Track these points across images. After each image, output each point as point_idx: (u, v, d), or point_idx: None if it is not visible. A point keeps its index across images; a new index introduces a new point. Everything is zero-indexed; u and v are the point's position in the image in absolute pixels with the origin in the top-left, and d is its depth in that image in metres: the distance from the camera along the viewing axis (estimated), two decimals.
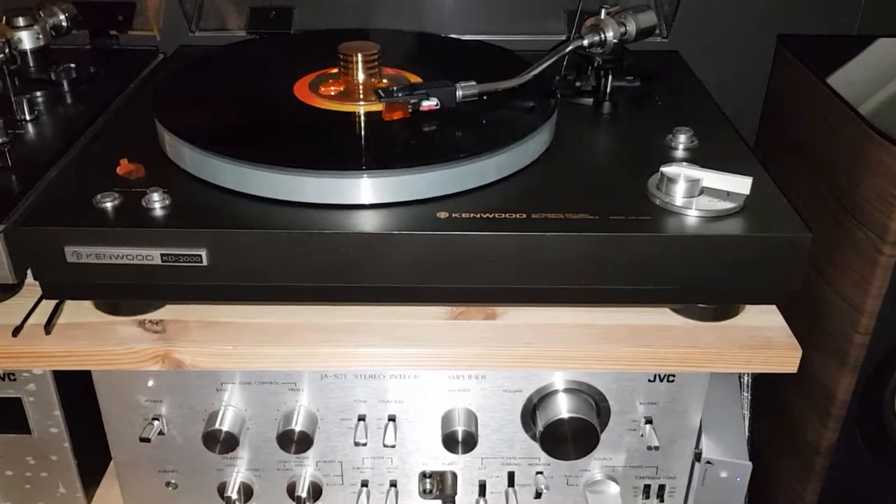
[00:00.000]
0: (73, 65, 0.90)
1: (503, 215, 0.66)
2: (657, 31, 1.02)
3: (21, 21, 0.90)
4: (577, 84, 0.88)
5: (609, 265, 0.65)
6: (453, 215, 0.66)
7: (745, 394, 0.79)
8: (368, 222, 0.65)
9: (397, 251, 0.64)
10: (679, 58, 1.00)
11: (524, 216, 0.66)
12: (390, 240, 0.64)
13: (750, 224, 0.65)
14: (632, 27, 0.85)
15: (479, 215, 0.66)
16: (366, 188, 0.66)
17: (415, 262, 0.65)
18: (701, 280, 0.66)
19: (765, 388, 0.89)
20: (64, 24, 0.95)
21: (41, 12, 0.93)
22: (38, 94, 0.88)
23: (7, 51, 0.86)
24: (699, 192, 0.67)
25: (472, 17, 1.08)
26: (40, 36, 0.91)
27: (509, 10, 1.07)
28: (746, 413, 0.79)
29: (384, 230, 0.64)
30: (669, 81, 0.92)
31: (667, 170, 0.68)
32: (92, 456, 0.80)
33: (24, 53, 0.90)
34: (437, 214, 0.66)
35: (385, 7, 1.07)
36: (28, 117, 0.82)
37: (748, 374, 0.77)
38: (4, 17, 0.90)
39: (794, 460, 0.86)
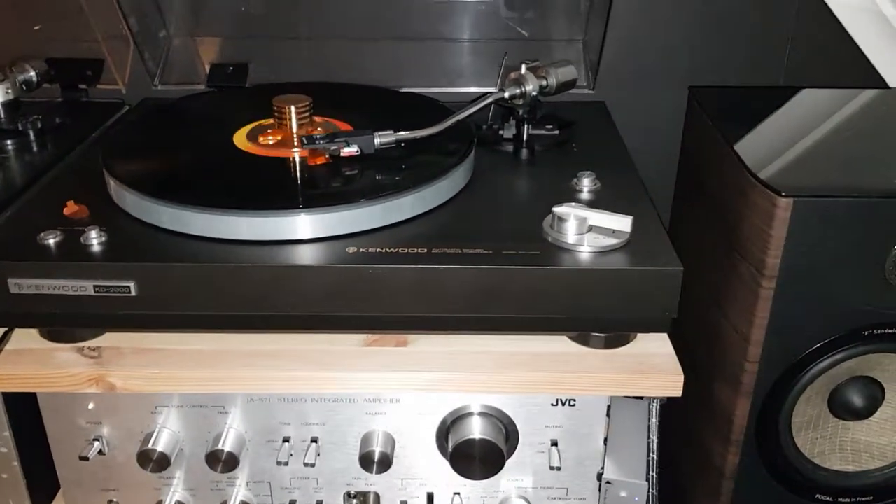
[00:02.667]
0: (38, 116, 0.98)
1: (406, 250, 0.72)
2: (585, 83, 1.11)
3: None
4: (500, 132, 0.95)
5: (503, 296, 0.71)
6: (361, 250, 0.72)
7: (654, 420, 0.84)
8: (284, 256, 0.72)
9: (310, 282, 0.71)
10: (603, 108, 1.07)
11: (425, 251, 0.72)
12: (302, 272, 0.71)
13: (628, 258, 0.71)
14: (552, 80, 0.92)
15: (384, 250, 0.72)
16: (283, 226, 0.73)
17: (327, 293, 0.72)
18: (587, 310, 0.72)
19: (679, 414, 0.95)
20: (34, 79, 1.04)
21: (12, 69, 1.02)
22: (9, 142, 0.96)
23: None
24: (587, 229, 0.74)
25: (418, 71, 1.15)
26: (10, 90, 0.99)
27: (452, 66, 1.15)
28: (654, 438, 0.84)
29: (297, 263, 0.71)
30: (589, 130, 0.99)
31: (557, 210, 0.74)
32: (43, 476, 0.85)
33: None
34: (347, 249, 0.72)
35: (337, 62, 1.15)
36: None
37: (657, 400, 0.83)
38: None
39: (704, 484, 0.91)
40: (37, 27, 1.10)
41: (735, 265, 0.81)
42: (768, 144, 0.85)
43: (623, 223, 0.73)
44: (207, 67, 1.12)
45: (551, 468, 0.80)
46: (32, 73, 1.03)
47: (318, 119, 0.90)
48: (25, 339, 0.77)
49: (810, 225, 0.73)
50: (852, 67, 1.13)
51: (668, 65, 1.15)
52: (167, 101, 1.04)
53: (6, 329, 0.77)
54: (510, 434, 0.80)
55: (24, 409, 0.80)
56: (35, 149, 0.96)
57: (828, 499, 0.87)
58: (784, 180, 0.75)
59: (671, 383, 0.75)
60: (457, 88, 1.14)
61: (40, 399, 0.79)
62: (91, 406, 0.79)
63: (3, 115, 0.99)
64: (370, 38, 1.13)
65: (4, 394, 0.78)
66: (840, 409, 0.83)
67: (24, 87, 1.03)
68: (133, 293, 0.71)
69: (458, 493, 0.83)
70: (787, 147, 0.84)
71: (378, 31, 1.13)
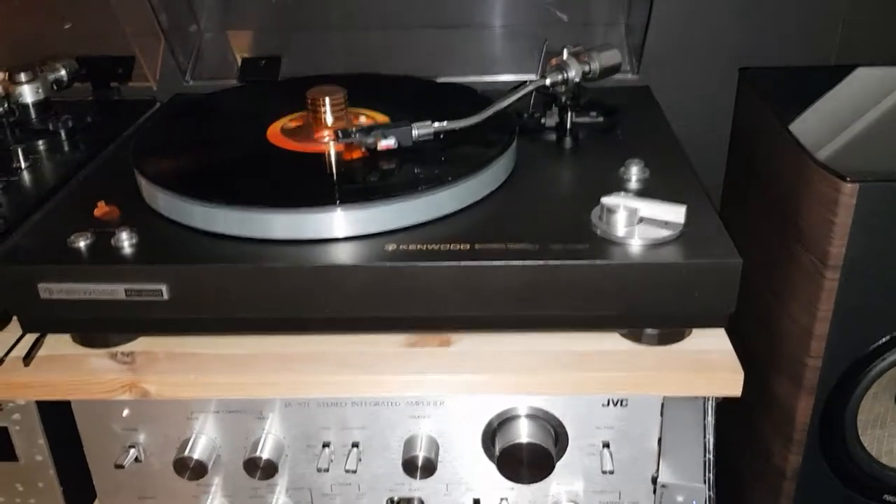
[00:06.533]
0: (69, 116, 0.96)
1: (448, 247, 0.69)
2: (628, 68, 1.06)
3: (23, 77, 0.97)
4: (543, 121, 0.91)
5: (550, 292, 0.68)
6: (400, 247, 0.69)
7: (709, 419, 0.80)
8: (320, 256, 0.69)
9: (348, 282, 0.68)
10: (649, 93, 1.03)
11: (468, 247, 0.69)
12: (340, 272, 0.68)
13: (683, 250, 0.67)
14: (595, 66, 0.88)
15: (424, 247, 0.69)
16: (318, 224, 0.70)
17: (366, 293, 0.68)
18: (640, 306, 0.68)
19: (737, 412, 0.90)
20: (65, 78, 1.02)
21: (43, 68, 1.00)
22: (40, 142, 0.95)
23: (6, 105, 0.93)
24: (637, 221, 0.70)
25: (456, 60, 1.12)
26: (40, 89, 0.97)
27: (490, 54, 1.11)
28: (710, 438, 0.80)
29: (334, 263, 0.68)
30: (635, 116, 0.95)
31: (606, 200, 0.71)
32: (80, 484, 0.83)
33: (25, 106, 0.97)
34: (385, 247, 0.69)
35: (372, 53, 1.12)
36: (23, 165, 0.88)
37: (712, 398, 0.78)
38: (7, 73, 0.97)
39: (764, 484, 0.87)
40: (67, 25, 1.09)
41: (795, 256, 0.76)
42: (827, 126, 0.80)
43: (676, 213, 0.69)
44: (239, 61, 1.09)
45: (603, 472, 0.76)
46: (63, 72, 1.02)
47: (353, 112, 0.86)
48: (58, 344, 0.75)
49: (877, 211, 0.69)
50: None
51: (716, 46, 1.10)
52: (198, 97, 1.02)
53: (38, 335, 0.75)
54: (559, 436, 0.76)
55: (60, 416, 0.78)
56: (66, 149, 0.95)
57: None
58: (848, 164, 0.71)
59: (730, 381, 0.70)
60: (496, 77, 1.10)
61: (74, 406, 0.77)
62: (126, 413, 0.77)
63: (34, 115, 0.98)
64: (405, 27, 1.10)
65: (39, 401, 0.76)
66: None
67: (55, 87, 1.02)
68: (165, 297, 0.68)
69: (506, 499, 0.80)
70: (848, 128, 0.80)
71: (413, 19, 1.10)
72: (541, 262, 0.67)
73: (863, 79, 0.96)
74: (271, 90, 1.05)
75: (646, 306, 0.68)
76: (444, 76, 1.08)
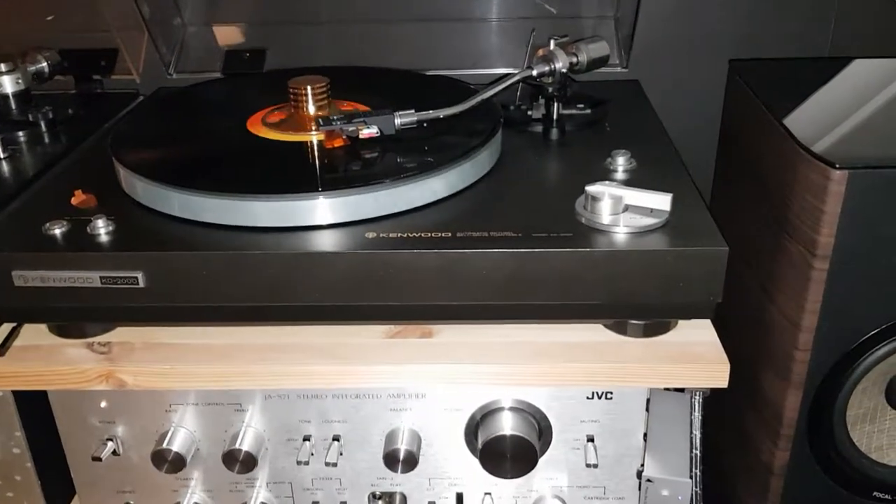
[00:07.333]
0: (49, 107, 0.95)
1: (429, 235, 0.68)
2: (617, 61, 1.06)
3: (2, 67, 0.96)
4: (529, 113, 0.90)
5: (533, 281, 0.67)
6: (381, 235, 0.68)
7: (696, 414, 0.79)
8: (300, 243, 0.67)
9: (328, 270, 0.67)
10: (637, 86, 1.02)
11: (449, 235, 0.68)
12: (319, 259, 0.67)
13: (668, 238, 0.66)
14: (583, 57, 0.87)
15: (405, 235, 0.68)
16: (298, 211, 0.69)
17: (346, 281, 0.67)
18: (624, 295, 0.67)
19: (725, 408, 0.89)
20: (46, 70, 1.01)
21: (24, 59, 0.99)
22: (20, 133, 0.94)
23: None
24: (622, 209, 0.69)
25: (444, 54, 1.11)
26: (20, 80, 0.96)
27: (478, 48, 1.11)
28: (697, 433, 0.79)
29: (313, 250, 0.67)
30: (623, 109, 0.94)
31: (591, 188, 0.70)
32: (59, 477, 0.82)
33: (5, 97, 0.96)
34: (366, 234, 0.68)
35: (359, 47, 1.11)
36: (2, 155, 0.87)
37: (700, 392, 0.77)
38: None
39: (751, 481, 0.86)
40: (49, 17, 1.08)
41: (783, 246, 0.75)
42: (818, 117, 0.79)
43: (662, 201, 0.68)
44: (223, 54, 1.08)
45: (587, 466, 0.75)
46: (44, 64, 1.01)
47: (337, 103, 0.85)
48: (34, 334, 0.74)
49: (867, 199, 0.68)
50: None
51: (705, 39, 1.09)
52: (179, 89, 1.01)
53: (14, 325, 0.74)
54: (543, 430, 0.75)
55: (37, 408, 0.77)
56: (46, 140, 0.94)
57: (887, 497, 0.81)
58: (837, 152, 0.69)
59: (716, 373, 0.69)
60: (484, 70, 1.09)
61: (51, 397, 0.76)
62: (104, 404, 0.75)
63: (14, 106, 0.97)
64: (392, 21, 1.09)
65: (17, 392, 0.75)
66: None
67: (36, 79, 1.00)
68: (141, 284, 0.67)
69: (489, 493, 0.79)
70: (840, 120, 0.79)
71: (400, 12, 1.09)
72: (524, 250, 0.66)
73: (858, 71, 0.95)
74: (254, 82, 1.04)
75: (631, 295, 0.67)
76: (432, 69, 1.07)
